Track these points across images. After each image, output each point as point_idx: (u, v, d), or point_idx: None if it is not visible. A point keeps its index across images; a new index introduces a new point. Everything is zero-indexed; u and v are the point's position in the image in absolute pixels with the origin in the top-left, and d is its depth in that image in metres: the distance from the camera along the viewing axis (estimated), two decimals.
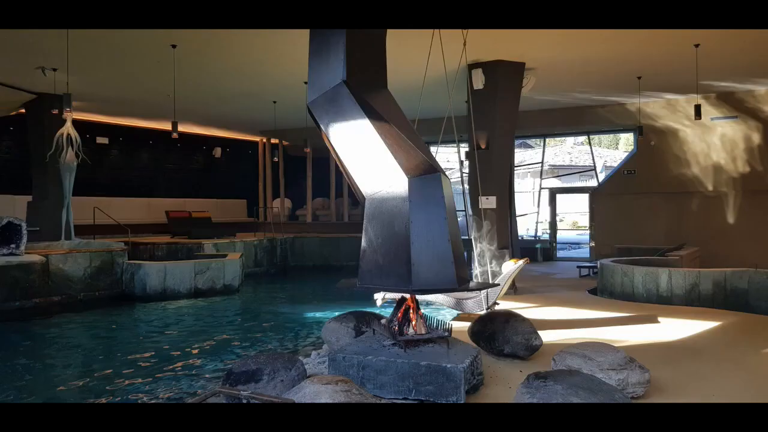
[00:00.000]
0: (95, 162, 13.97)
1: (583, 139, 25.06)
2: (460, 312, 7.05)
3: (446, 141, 14.22)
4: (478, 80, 9.39)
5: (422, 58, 7.44)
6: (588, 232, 15.66)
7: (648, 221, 13.87)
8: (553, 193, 16.59)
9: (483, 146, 9.75)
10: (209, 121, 16.91)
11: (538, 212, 17.17)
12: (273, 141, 18.76)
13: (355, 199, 16.44)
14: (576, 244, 19.94)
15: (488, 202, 9.59)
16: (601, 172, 18.88)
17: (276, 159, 18.20)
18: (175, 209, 16.43)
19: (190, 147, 19.26)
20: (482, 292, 6.50)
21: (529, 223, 18.10)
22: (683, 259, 10.36)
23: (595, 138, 26.68)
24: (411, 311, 4.30)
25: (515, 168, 12.73)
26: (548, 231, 16.98)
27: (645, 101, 13.17)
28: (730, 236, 12.91)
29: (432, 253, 4.07)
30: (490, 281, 7.75)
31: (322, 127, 4.26)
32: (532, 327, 5.02)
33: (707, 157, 13.39)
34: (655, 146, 13.91)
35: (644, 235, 13.66)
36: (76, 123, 11.16)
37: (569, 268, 12.90)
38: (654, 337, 6.05)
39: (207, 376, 5.71)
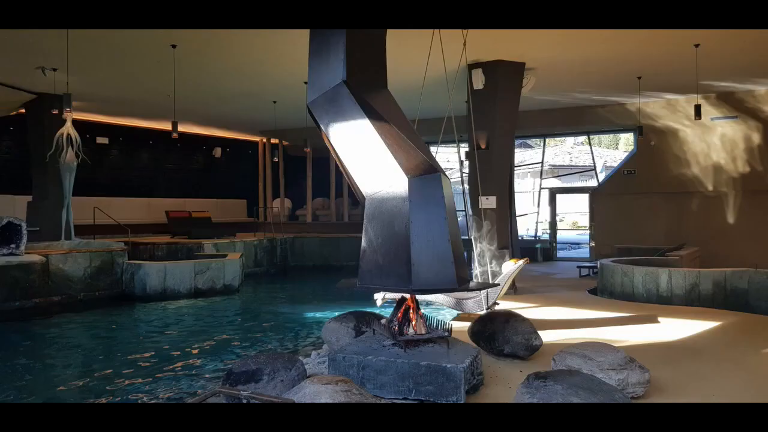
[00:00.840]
0: (95, 162, 13.97)
1: (583, 139, 25.06)
2: (460, 312, 7.05)
3: (446, 141, 14.21)
4: (478, 80, 9.39)
5: (422, 58, 7.43)
6: (588, 232, 15.65)
7: (648, 221, 13.87)
8: (553, 193, 16.58)
9: (483, 146, 9.75)
10: (209, 121, 16.91)
11: (538, 212, 17.17)
12: (273, 141, 18.76)
13: (355, 199, 16.44)
14: (576, 244, 19.93)
15: (488, 202, 9.59)
16: (601, 172, 18.88)
17: (276, 159, 18.20)
18: (175, 209, 16.42)
19: (190, 147, 19.26)
20: (482, 292, 6.50)
21: (529, 223, 18.10)
22: (683, 259, 10.36)
23: (595, 138, 26.68)
24: (411, 311, 4.30)
25: (515, 168, 12.73)
26: (548, 231, 16.97)
27: (645, 101, 13.17)
28: (730, 236, 12.91)
29: (432, 253, 4.07)
30: (490, 281, 7.75)
31: (322, 127, 4.26)
32: (532, 327, 5.01)
33: (707, 157, 13.39)
34: (655, 146, 13.91)
35: (644, 235, 13.66)
36: (76, 123, 11.16)
37: (569, 268, 12.90)
38: (654, 337, 6.05)
39: (207, 376, 5.71)
